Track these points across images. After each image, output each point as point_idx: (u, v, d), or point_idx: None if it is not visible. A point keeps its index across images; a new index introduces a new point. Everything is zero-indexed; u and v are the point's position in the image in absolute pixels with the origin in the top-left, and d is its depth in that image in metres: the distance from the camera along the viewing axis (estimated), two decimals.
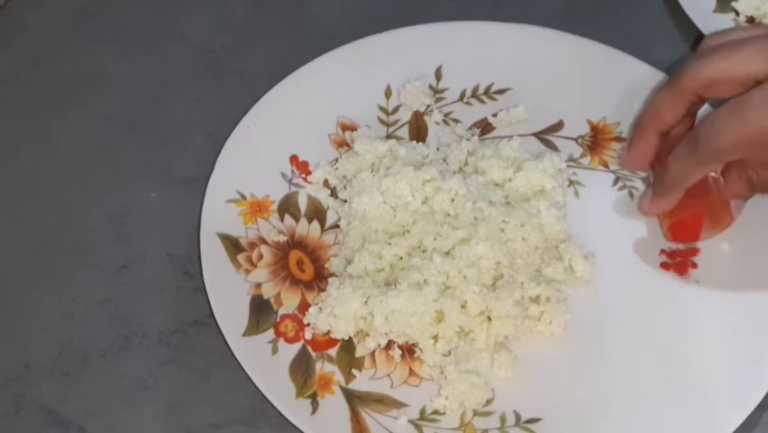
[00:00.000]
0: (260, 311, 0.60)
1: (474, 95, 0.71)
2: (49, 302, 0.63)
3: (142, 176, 0.68)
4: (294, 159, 0.67)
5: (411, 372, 0.59)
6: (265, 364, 0.58)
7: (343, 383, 0.58)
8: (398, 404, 0.58)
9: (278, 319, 0.60)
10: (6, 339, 0.61)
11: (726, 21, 0.75)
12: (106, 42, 0.75)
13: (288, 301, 0.61)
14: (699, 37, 0.73)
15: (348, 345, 0.60)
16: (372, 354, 0.60)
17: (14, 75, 0.73)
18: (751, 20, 0.76)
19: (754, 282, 0.63)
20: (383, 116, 0.70)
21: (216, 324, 0.59)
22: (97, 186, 0.68)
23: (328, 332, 0.60)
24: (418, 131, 0.70)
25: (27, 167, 0.69)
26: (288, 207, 0.65)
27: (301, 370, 0.58)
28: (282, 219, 0.65)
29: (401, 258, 0.62)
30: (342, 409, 0.57)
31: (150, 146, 0.70)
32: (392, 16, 0.75)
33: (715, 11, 0.76)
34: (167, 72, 0.73)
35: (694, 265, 0.64)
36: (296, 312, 0.61)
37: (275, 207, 0.65)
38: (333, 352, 0.60)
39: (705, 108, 0.62)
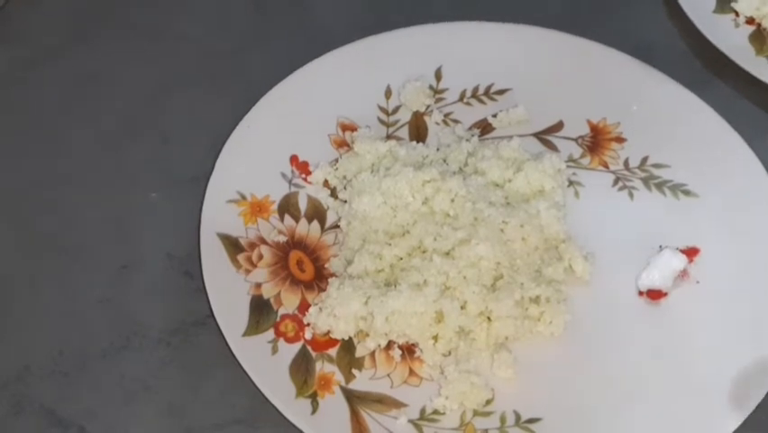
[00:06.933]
0: (260, 311, 0.60)
1: (474, 95, 0.71)
2: (49, 302, 0.63)
3: (142, 176, 0.68)
4: (294, 159, 0.67)
5: (411, 372, 0.59)
6: (265, 364, 0.58)
7: (343, 383, 0.58)
8: (398, 404, 0.58)
9: (278, 319, 0.60)
10: (6, 339, 0.61)
11: (726, 21, 0.75)
12: (106, 42, 0.75)
13: (288, 301, 0.61)
14: (700, 37, 0.74)
15: (348, 345, 0.60)
16: (372, 354, 0.60)
17: (14, 75, 0.73)
18: (751, 20, 0.76)
19: (754, 282, 0.63)
20: (383, 116, 0.70)
21: (216, 324, 0.59)
22: (97, 186, 0.68)
23: (328, 332, 0.60)
24: (418, 131, 0.70)
25: (27, 167, 0.69)
26: (288, 207, 0.65)
27: (301, 370, 0.58)
28: (282, 219, 0.65)
29: (401, 258, 0.62)
30: (342, 409, 0.57)
31: (150, 146, 0.70)
32: (392, 16, 0.75)
33: (715, 11, 0.76)
34: (167, 72, 0.73)
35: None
36: (296, 312, 0.61)
37: (275, 207, 0.65)
38: (333, 352, 0.60)
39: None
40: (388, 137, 0.69)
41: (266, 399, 0.57)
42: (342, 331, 0.59)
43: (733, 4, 0.76)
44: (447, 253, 0.61)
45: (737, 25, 0.75)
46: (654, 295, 0.62)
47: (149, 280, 0.64)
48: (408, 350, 0.60)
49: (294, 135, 0.68)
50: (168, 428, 0.59)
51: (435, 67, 0.72)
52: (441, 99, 0.71)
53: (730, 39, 0.74)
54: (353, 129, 0.69)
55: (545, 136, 0.69)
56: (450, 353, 0.60)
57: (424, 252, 0.62)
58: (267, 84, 0.69)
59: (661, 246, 0.64)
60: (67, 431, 0.58)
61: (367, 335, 0.60)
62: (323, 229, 0.65)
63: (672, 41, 0.76)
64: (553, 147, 0.69)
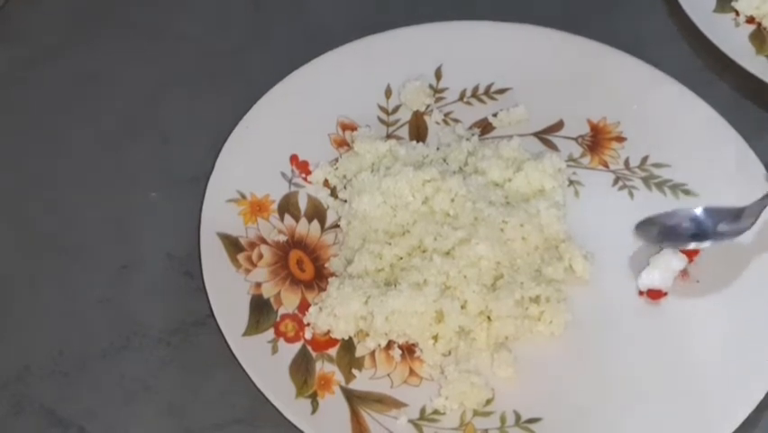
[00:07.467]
0: (260, 311, 0.60)
1: (474, 95, 0.71)
2: (49, 302, 0.63)
3: (142, 176, 0.68)
4: (294, 159, 0.67)
5: (411, 371, 0.59)
6: (265, 364, 0.58)
7: (343, 383, 0.58)
8: (398, 404, 0.58)
9: (278, 319, 0.60)
10: (6, 339, 0.61)
11: (725, 21, 0.75)
12: (106, 42, 0.75)
13: (288, 301, 0.61)
14: (700, 37, 0.74)
15: (348, 345, 0.60)
16: (372, 353, 0.60)
17: (14, 75, 0.73)
18: (751, 19, 0.76)
19: (753, 282, 0.63)
20: (383, 116, 0.70)
21: (216, 324, 0.59)
22: (97, 186, 0.68)
23: (328, 332, 0.60)
24: (418, 131, 0.70)
25: (27, 167, 0.69)
26: (287, 206, 0.65)
27: (301, 370, 0.58)
28: (282, 219, 0.65)
29: (401, 258, 0.62)
30: (342, 409, 0.57)
31: (150, 146, 0.70)
32: (392, 16, 0.75)
33: (715, 11, 0.76)
34: (167, 72, 0.73)
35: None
36: (296, 312, 0.61)
37: (275, 206, 0.65)
38: (333, 352, 0.60)
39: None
40: (388, 137, 0.69)
41: (266, 399, 0.57)
42: (342, 331, 0.59)
43: (733, 4, 0.76)
44: (447, 253, 0.61)
45: (738, 24, 0.75)
46: (654, 295, 0.62)
47: (149, 280, 0.64)
48: (408, 350, 0.60)
49: (294, 135, 0.68)
50: (168, 428, 0.59)
51: (435, 66, 0.72)
52: (441, 99, 0.71)
53: (730, 38, 0.74)
54: (353, 128, 0.69)
55: (545, 136, 0.69)
56: (450, 352, 0.60)
57: (424, 251, 0.62)
58: (267, 83, 0.69)
59: (661, 246, 0.64)
60: (67, 431, 0.58)
61: (367, 334, 0.60)
62: (323, 229, 0.65)
63: (671, 41, 0.76)
64: (553, 146, 0.69)
